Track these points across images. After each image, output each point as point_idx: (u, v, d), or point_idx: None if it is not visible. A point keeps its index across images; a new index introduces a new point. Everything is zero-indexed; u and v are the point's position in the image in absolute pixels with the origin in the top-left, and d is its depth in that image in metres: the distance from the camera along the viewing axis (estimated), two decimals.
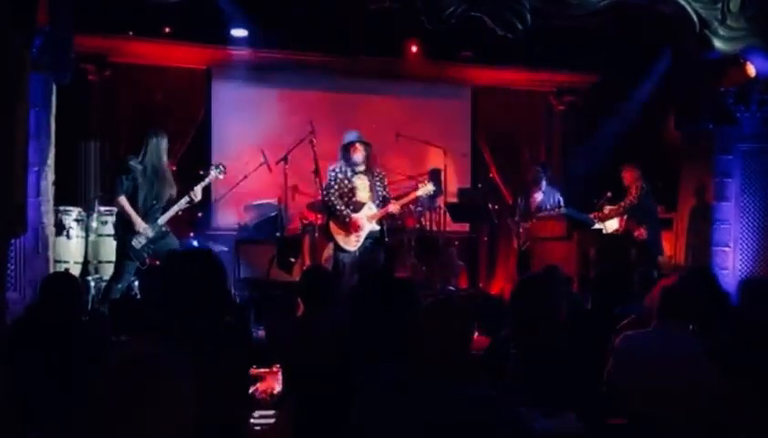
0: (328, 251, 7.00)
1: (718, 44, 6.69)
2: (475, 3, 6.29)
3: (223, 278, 2.52)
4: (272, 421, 2.81)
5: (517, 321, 3.48)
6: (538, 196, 8.29)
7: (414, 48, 8.97)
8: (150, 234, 6.19)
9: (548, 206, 8.16)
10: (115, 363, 1.62)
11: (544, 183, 8.32)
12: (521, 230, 8.28)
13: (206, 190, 6.69)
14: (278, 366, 3.02)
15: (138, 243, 6.16)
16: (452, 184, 8.40)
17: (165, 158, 6.39)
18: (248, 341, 3.62)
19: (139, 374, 1.57)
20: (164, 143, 6.37)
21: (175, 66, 8.91)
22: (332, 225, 6.64)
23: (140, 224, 6.15)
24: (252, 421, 2.75)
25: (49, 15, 5.79)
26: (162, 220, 6.27)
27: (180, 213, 6.50)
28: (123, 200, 6.19)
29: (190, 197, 6.33)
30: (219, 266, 2.51)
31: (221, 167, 6.63)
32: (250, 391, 2.90)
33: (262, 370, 2.94)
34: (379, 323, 3.18)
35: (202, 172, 6.72)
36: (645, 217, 7.78)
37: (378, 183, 6.72)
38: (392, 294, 3.31)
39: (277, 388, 2.93)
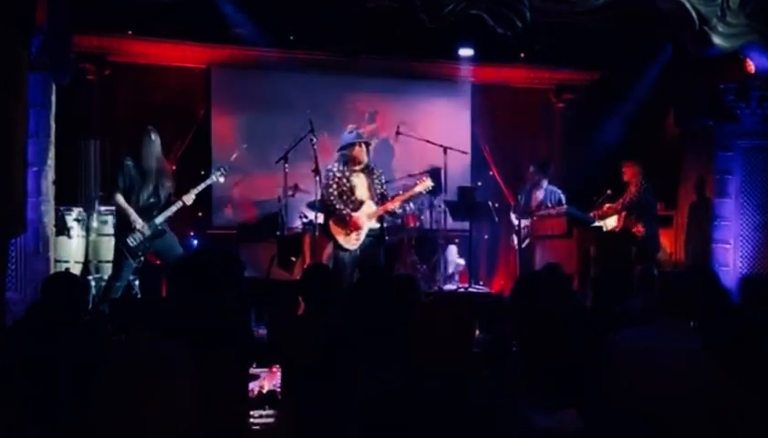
0: (329, 250, 7.00)
1: (717, 40, 6.69)
2: (475, 1, 6.29)
3: (238, 279, 2.51)
4: (271, 420, 2.81)
5: (518, 319, 3.48)
6: (539, 194, 8.28)
7: (412, 47, 8.97)
8: (147, 231, 6.19)
9: (549, 204, 8.15)
10: (117, 363, 1.62)
11: (545, 182, 8.31)
12: (522, 228, 8.28)
13: (206, 188, 6.69)
14: (277, 366, 3.02)
15: (133, 240, 6.15)
16: (452, 182, 8.39)
17: (161, 155, 6.39)
18: (249, 341, 3.62)
19: (140, 374, 1.57)
20: (159, 141, 6.37)
21: (175, 65, 8.91)
22: (332, 225, 6.63)
23: (137, 220, 6.16)
24: (251, 420, 2.75)
25: (48, 15, 5.79)
26: (160, 219, 6.27)
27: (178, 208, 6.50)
28: (119, 198, 6.19)
29: (182, 201, 6.34)
30: (241, 268, 2.50)
31: (222, 169, 6.64)
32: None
33: (261, 369, 2.95)
34: (379, 320, 3.18)
35: (203, 173, 6.71)
36: (644, 214, 7.77)
37: (376, 181, 6.72)
38: (392, 291, 3.31)
39: (267, 386, 2.93)
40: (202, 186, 6.49)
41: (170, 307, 2.40)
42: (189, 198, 6.38)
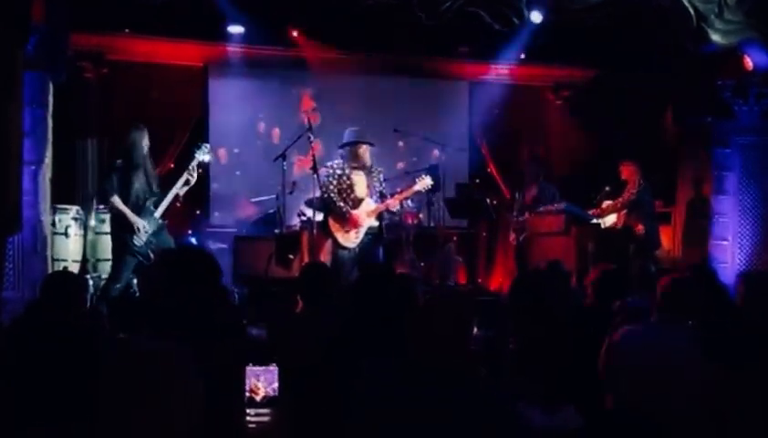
0: (328, 247, 6.99)
1: (715, 37, 6.69)
2: None
3: (217, 276, 2.50)
4: (269, 419, 2.81)
5: (516, 316, 3.48)
6: (534, 190, 8.31)
7: (410, 44, 8.97)
8: (149, 228, 6.17)
9: (544, 200, 8.15)
10: (116, 362, 1.61)
11: (540, 178, 8.33)
12: (516, 223, 8.29)
13: (204, 187, 6.66)
14: (275, 364, 3.02)
15: (139, 241, 6.12)
16: (451, 180, 8.39)
17: (147, 151, 6.31)
18: (244, 340, 3.62)
19: (140, 375, 1.56)
20: (146, 138, 6.29)
21: (172, 63, 8.90)
22: (331, 222, 6.62)
23: (137, 221, 6.12)
24: (249, 418, 2.75)
25: (45, 13, 5.77)
26: (159, 212, 6.23)
27: (179, 203, 6.43)
28: (116, 199, 6.14)
29: (186, 178, 6.23)
30: (212, 263, 2.49)
31: (204, 147, 6.53)
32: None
33: (259, 367, 2.94)
34: (380, 318, 3.18)
35: (200, 171, 6.66)
36: (642, 212, 7.76)
37: (375, 180, 6.71)
38: (393, 290, 3.30)
39: (262, 391, 2.91)
40: (190, 167, 6.37)
41: (167, 305, 2.40)
42: (179, 185, 6.30)
